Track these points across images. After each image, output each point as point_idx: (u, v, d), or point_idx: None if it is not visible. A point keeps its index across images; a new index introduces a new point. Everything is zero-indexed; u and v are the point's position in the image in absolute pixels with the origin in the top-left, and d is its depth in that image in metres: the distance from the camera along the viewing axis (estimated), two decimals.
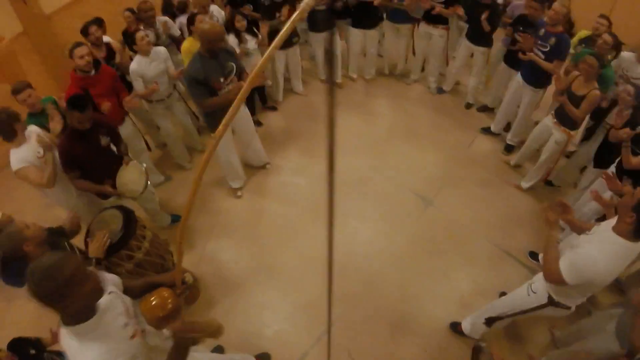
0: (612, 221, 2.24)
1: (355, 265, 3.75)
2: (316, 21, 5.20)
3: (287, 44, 4.99)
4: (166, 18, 4.63)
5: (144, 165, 3.43)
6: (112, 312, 1.61)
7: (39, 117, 3.34)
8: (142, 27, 4.30)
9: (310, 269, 3.74)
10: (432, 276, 3.72)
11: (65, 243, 2.59)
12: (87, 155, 2.97)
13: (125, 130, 3.83)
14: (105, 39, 4.29)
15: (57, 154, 3.00)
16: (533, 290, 2.63)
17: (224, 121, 1.18)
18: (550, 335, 3.34)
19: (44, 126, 3.28)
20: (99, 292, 1.49)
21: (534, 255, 3.81)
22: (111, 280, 1.79)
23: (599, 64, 3.42)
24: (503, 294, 3.46)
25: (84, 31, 3.96)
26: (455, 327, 3.32)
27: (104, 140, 3.11)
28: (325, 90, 5.48)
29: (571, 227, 2.63)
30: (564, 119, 3.80)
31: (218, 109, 3.51)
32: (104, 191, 3.18)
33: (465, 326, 3.24)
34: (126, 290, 1.90)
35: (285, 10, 4.64)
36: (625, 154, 3.16)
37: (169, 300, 1.86)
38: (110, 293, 1.65)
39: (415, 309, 3.50)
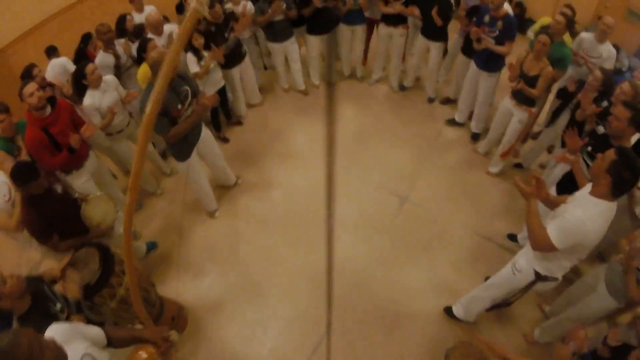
0: (586, 189, 2.31)
1: (341, 271, 3.74)
2: (274, 32, 5.20)
3: (238, 58, 4.93)
4: (124, 40, 4.50)
5: (97, 192, 3.34)
6: None
7: (9, 143, 3.26)
8: (101, 48, 4.25)
9: (296, 281, 3.73)
10: (417, 271, 3.77)
11: (45, 288, 2.48)
12: (54, 213, 2.81)
13: (91, 164, 3.69)
14: (61, 60, 4.18)
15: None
16: (517, 269, 2.68)
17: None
18: (540, 311, 3.44)
19: (12, 154, 3.19)
20: (62, 357, 1.42)
21: (512, 237, 3.92)
22: (90, 337, 1.73)
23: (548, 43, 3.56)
24: (488, 278, 3.57)
25: (26, 75, 3.82)
26: (450, 312, 3.38)
27: (60, 187, 2.98)
28: (288, 99, 5.50)
29: (546, 204, 2.69)
30: (522, 98, 3.91)
31: (182, 137, 3.47)
32: (91, 240, 3.02)
33: (458, 311, 3.30)
34: (111, 340, 1.86)
35: (239, 24, 4.60)
36: (591, 129, 3.28)
37: None
38: (84, 357, 1.59)
39: (405, 305, 3.53)
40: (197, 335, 3.44)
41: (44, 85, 3.96)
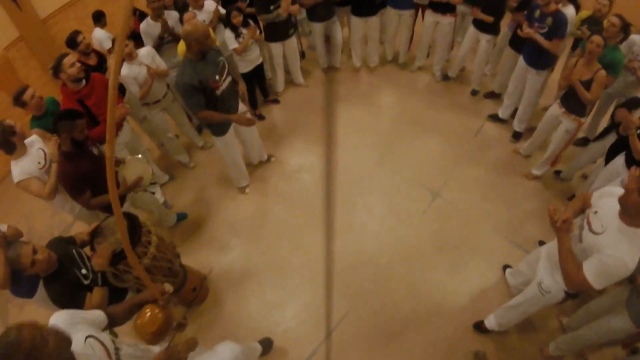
0: (613, 208, 2.11)
1: (364, 261, 3.72)
2: (315, 11, 5.10)
3: (284, 35, 4.92)
4: (175, 12, 4.53)
5: (139, 155, 3.45)
6: (92, 358, 1.59)
7: (44, 119, 3.32)
8: (149, 18, 4.28)
9: (318, 267, 3.73)
10: (440, 271, 3.69)
11: (74, 251, 2.59)
12: (90, 170, 2.91)
13: (125, 135, 3.81)
14: (101, 33, 4.25)
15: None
16: (544, 289, 2.58)
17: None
18: (558, 323, 3.32)
19: (49, 129, 3.23)
20: (65, 342, 1.47)
21: (542, 244, 3.75)
22: (91, 321, 1.78)
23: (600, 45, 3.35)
24: (507, 266, 3.56)
25: (70, 43, 3.91)
26: (479, 327, 3.30)
27: (96, 150, 3.08)
28: (326, 80, 5.43)
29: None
30: (572, 106, 3.71)
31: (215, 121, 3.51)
32: (124, 192, 3.13)
33: (490, 324, 3.21)
34: (112, 319, 1.92)
35: (285, 2, 4.54)
36: (633, 142, 3.07)
37: (157, 314, 2.00)
38: (87, 338, 1.63)
39: (424, 305, 3.47)
40: (215, 308, 3.54)
41: (89, 52, 4.07)
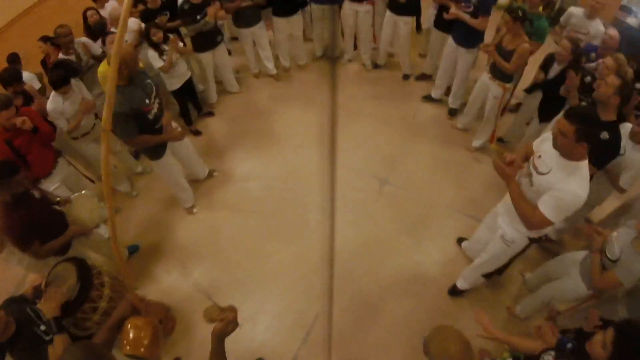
0: (556, 153, 2.25)
1: (324, 259, 3.72)
2: (241, 17, 5.05)
3: (212, 43, 4.83)
4: (84, 39, 4.33)
5: (83, 191, 3.27)
6: None
7: None
8: (61, 54, 4.08)
9: (280, 273, 3.70)
10: (402, 254, 3.76)
11: (28, 309, 2.42)
12: (35, 217, 2.73)
13: (61, 171, 3.58)
14: (25, 76, 3.96)
15: None
16: (508, 240, 2.69)
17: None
18: (521, 277, 3.51)
19: None
20: None
21: None
22: None
23: (513, 17, 3.52)
24: (461, 239, 3.70)
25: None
26: (454, 291, 3.43)
27: (38, 192, 2.89)
28: (260, 84, 5.36)
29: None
30: (498, 73, 3.87)
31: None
32: (73, 236, 2.99)
33: (462, 284, 3.35)
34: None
35: (211, 9, 4.44)
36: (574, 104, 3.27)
37: (141, 325, 1.83)
38: None
39: (392, 290, 3.53)
40: (186, 336, 3.40)
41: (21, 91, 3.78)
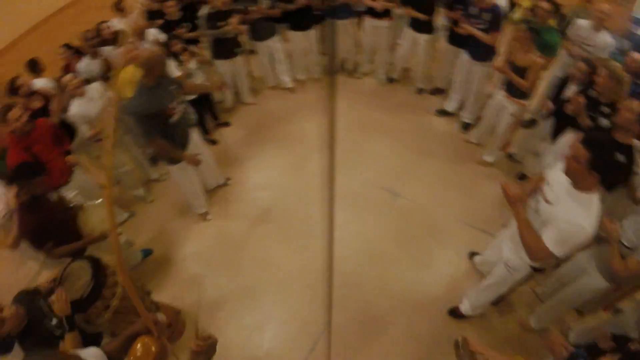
0: (564, 178, 2.19)
1: (333, 268, 3.73)
2: (258, 30, 5.17)
3: (230, 53, 4.96)
4: (109, 47, 4.47)
5: (99, 199, 3.35)
6: None
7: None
8: (85, 59, 4.20)
9: (289, 282, 3.72)
10: (410, 267, 3.75)
11: (42, 303, 2.49)
12: (51, 220, 2.82)
13: (78, 179, 3.68)
14: (40, 82, 4.09)
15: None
16: (511, 267, 2.66)
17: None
18: (534, 294, 3.44)
19: (5, 174, 3.10)
20: None
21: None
22: (93, 357, 1.74)
23: (528, 31, 3.52)
24: (473, 253, 3.63)
25: (11, 89, 3.76)
26: (455, 312, 3.37)
27: (54, 196, 2.98)
28: (276, 96, 5.46)
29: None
30: (514, 91, 3.86)
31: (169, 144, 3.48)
32: (87, 244, 3.06)
33: (465, 309, 3.29)
34: (109, 356, 1.87)
35: (234, 19, 4.58)
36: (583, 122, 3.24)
37: (150, 347, 1.94)
38: None
39: (400, 302, 3.51)
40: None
41: (30, 94, 3.91)
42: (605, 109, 3.10)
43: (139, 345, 1.92)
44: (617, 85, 2.99)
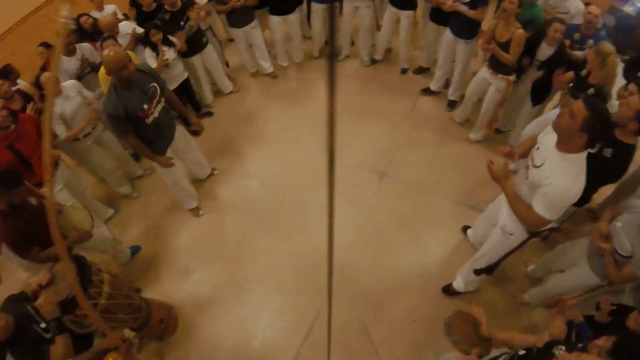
0: (550, 141, 2.20)
1: (325, 256, 3.71)
2: (235, 17, 5.05)
3: (199, 46, 4.83)
4: (87, 44, 4.30)
5: (72, 201, 3.30)
6: None
7: None
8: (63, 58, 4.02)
9: (281, 270, 3.71)
10: (403, 247, 3.75)
11: (29, 307, 2.43)
12: (32, 225, 2.74)
13: (63, 175, 3.60)
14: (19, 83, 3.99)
15: None
16: (508, 232, 2.64)
17: None
18: (524, 268, 3.48)
19: None
20: None
21: None
22: None
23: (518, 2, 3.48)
24: (466, 227, 3.64)
25: None
26: (448, 290, 3.39)
27: (34, 200, 2.90)
28: (257, 83, 5.35)
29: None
30: (499, 67, 3.82)
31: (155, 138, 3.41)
32: (72, 243, 3.00)
33: (458, 285, 3.30)
34: None
35: (193, 13, 4.46)
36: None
37: None
38: None
39: (394, 284, 3.52)
40: (188, 336, 3.42)
41: (9, 96, 3.78)
42: (592, 90, 3.08)
43: None
44: (602, 64, 2.96)
